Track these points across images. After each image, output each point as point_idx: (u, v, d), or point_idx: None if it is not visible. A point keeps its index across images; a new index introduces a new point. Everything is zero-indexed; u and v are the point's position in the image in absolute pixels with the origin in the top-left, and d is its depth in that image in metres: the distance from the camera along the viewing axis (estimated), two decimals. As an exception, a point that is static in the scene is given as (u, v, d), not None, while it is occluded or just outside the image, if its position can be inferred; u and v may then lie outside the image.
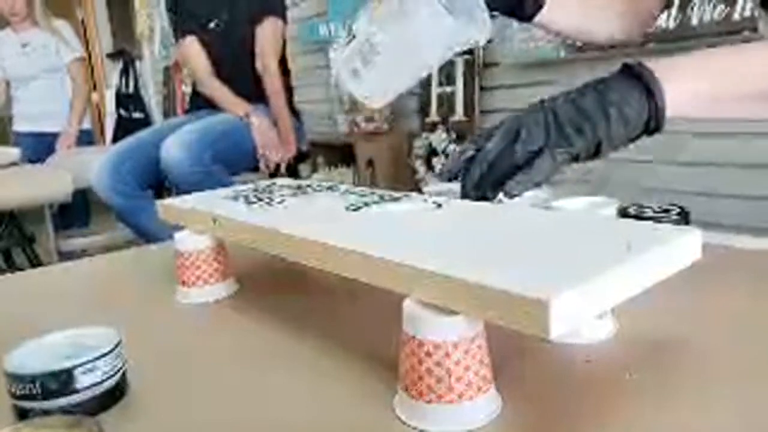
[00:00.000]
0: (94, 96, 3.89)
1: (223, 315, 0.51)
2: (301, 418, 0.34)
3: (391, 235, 0.39)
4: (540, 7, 0.59)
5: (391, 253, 0.33)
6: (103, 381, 0.34)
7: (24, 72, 2.27)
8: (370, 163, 2.35)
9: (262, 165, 1.57)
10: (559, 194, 0.53)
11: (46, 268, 0.87)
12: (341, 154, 2.45)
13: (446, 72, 2.19)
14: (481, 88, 2.14)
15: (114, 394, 0.35)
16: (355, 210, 0.46)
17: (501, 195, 0.43)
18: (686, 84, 0.43)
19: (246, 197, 0.55)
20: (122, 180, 1.48)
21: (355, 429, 0.32)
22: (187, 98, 2.25)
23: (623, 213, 0.54)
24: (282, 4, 1.67)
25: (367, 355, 0.40)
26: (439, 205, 0.45)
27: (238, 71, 1.61)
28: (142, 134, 1.64)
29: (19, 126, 2.35)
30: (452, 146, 2.18)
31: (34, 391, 0.33)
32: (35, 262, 1.69)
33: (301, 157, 1.69)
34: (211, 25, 1.62)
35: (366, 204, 0.47)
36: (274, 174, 1.56)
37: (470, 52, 2.09)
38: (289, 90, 1.66)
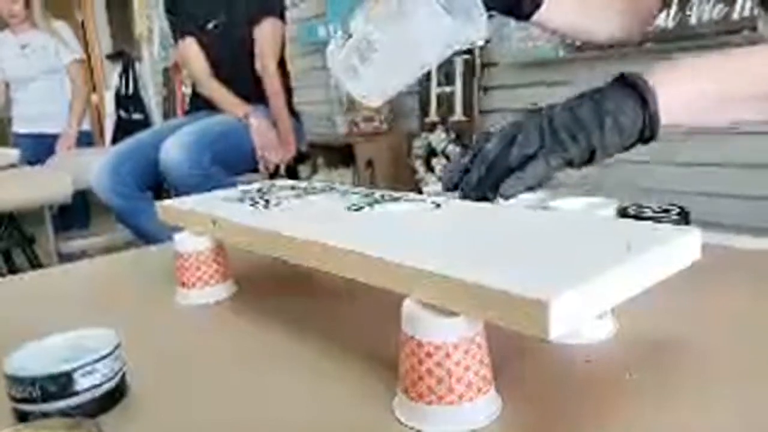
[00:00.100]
0: (94, 97, 3.89)
1: (223, 316, 0.51)
2: (300, 419, 0.34)
3: (390, 235, 0.39)
4: (537, 6, 0.59)
5: (390, 254, 0.33)
6: (102, 383, 0.34)
7: (23, 73, 2.27)
8: (369, 163, 2.35)
9: (261, 166, 1.57)
10: (558, 195, 0.53)
11: (45, 270, 0.87)
12: (341, 155, 2.45)
13: (445, 72, 2.19)
14: (480, 88, 2.14)
15: (114, 396, 0.35)
16: (354, 211, 0.46)
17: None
18: (693, 84, 0.44)
19: (245, 199, 0.55)
20: (122, 181, 1.48)
21: (355, 430, 0.32)
22: (187, 99, 2.25)
23: (622, 213, 0.54)
24: (281, 5, 1.67)
25: (366, 356, 0.40)
26: (439, 206, 0.45)
27: (238, 72, 1.61)
28: (142, 135, 1.64)
29: (19, 127, 2.35)
30: (451, 146, 2.18)
31: (34, 394, 0.33)
32: (35, 264, 1.69)
33: (300, 158, 1.69)
34: (210, 26, 1.62)
35: (365, 204, 0.47)
36: (274, 175, 1.56)
37: (469, 51, 2.09)
38: (288, 91, 1.66)
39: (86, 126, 2.40)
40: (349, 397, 0.35)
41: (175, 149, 1.42)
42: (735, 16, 1.42)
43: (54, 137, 2.24)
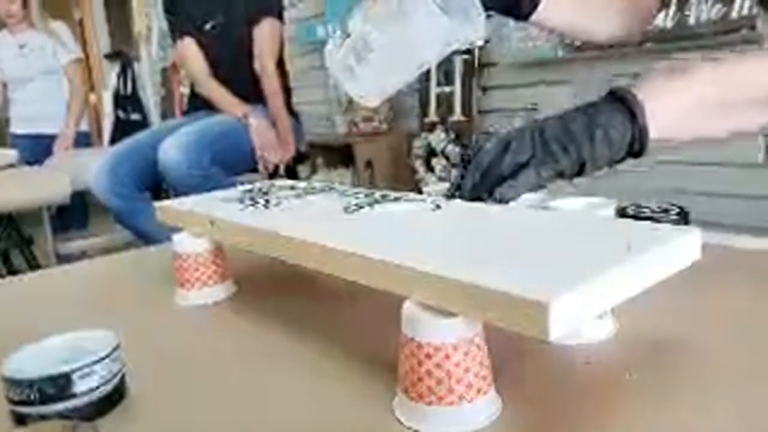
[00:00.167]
0: (92, 97, 3.89)
1: (222, 317, 0.51)
2: (300, 419, 0.34)
3: (390, 236, 0.39)
4: (536, 5, 0.59)
5: (390, 255, 0.33)
6: (101, 385, 0.34)
7: (21, 74, 2.27)
8: (369, 163, 2.34)
9: (260, 166, 1.57)
10: (558, 195, 0.53)
11: (44, 271, 0.87)
12: (340, 155, 2.45)
13: (445, 71, 2.19)
14: (480, 88, 2.14)
15: (112, 399, 0.35)
16: (353, 211, 0.46)
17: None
18: (691, 91, 0.44)
19: (243, 199, 0.55)
20: (120, 182, 1.48)
21: (355, 431, 0.32)
22: (185, 99, 2.25)
23: (622, 213, 0.54)
24: (279, 5, 1.67)
25: (366, 357, 0.39)
26: (438, 206, 0.45)
27: (236, 72, 1.61)
28: (140, 136, 1.64)
29: (17, 128, 2.34)
30: (451, 146, 2.18)
31: (32, 396, 0.32)
32: (33, 265, 1.68)
33: (299, 158, 1.69)
34: (208, 26, 1.62)
35: (365, 205, 0.47)
36: (273, 175, 1.56)
37: (468, 51, 2.09)
38: (287, 91, 1.66)
39: (84, 126, 2.40)
40: (349, 397, 0.35)
41: (173, 149, 1.41)
42: (733, 15, 1.42)
43: (52, 138, 2.23)
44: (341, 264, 0.37)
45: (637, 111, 0.43)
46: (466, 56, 2.12)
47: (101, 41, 4.57)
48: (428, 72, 2.24)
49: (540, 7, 0.60)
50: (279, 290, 0.56)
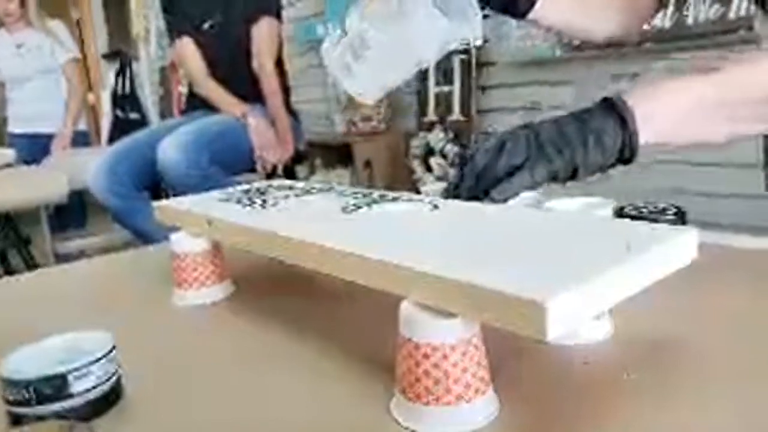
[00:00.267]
0: (91, 97, 3.88)
1: (220, 317, 0.51)
2: (298, 420, 0.34)
3: (388, 236, 0.39)
4: (532, 3, 0.59)
5: (388, 255, 0.33)
6: (97, 386, 0.34)
7: (18, 73, 2.26)
8: (367, 163, 2.34)
9: (258, 166, 1.57)
10: (556, 194, 0.53)
11: (42, 271, 0.87)
12: (338, 154, 2.45)
13: (443, 71, 2.19)
14: (479, 88, 2.14)
15: (108, 399, 0.35)
16: (351, 211, 0.46)
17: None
18: (690, 92, 0.44)
19: (242, 199, 0.55)
20: (118, 181, 1.48)
21: (353, 431, 0.32)
22: (184, 99, 2.25)
23: (619, 213, 0.54)
24: (277, 4, 1.67)
25: (365, 357, 0.39)
26: (436, 206, 0.45)
27: (235, 72, 1.61)
28: (139, 135, 1.63)
29: (14, 127, 2.34)
30: (450, 145, 2.18)
31: (28, 397, 0.32)
32: (31, 264, 1.68)
33: (298, 158, 1.69)
34: (206, 25, 1.62)
35: (362, 205, 0.47)
36: (271, 175, 1.56)
37: (467, 51, 2.09)
38: (285, 90, 1.66)
39: (82, 126, 2.39)
40: (347, 397, 0.35)
41: (172, 149, 1.41)
42: (731, 15, 1.43)
43: (49, 137, 2.23)
44: (339, 264, 0.37)
45: (628, 117, 0.43)
46: (464, 56, 2.12)
47: (99, 41, 4.56)
48: (427, 71, 2.24)
49: (537, 6, 0.60)
50: (277, 290, 0.56)
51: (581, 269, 0.29)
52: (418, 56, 0.51)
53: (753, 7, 1.35)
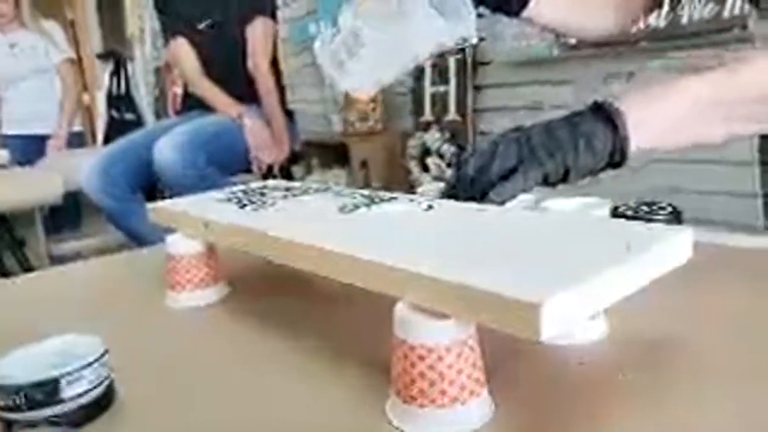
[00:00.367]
0: (86, 97, 3.86)
1: (215, 319, 0.51)
2: (293, 422, 0.33)
3: (383, 237, 0.39)
4: (526, 1, 0.59)
5: (383, 256, 0.33)
6: (89, 390, 0.34)
7: (12, 73, 2.25)
8: (364, 163, 2.34)
9: (254, 166, 1.56)
10: (552, 194, 0.53)
11: (38, 273, 0.86)
12: (335, 154, 2.45)
13: (439, 71, 2.19)
14: (474, 87, 2.14)
15: (101, 404, 0.35)
16: (347, 212, 0.46)
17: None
18: (686, 92, 0.44)
19: (238, 200, 0.55)
20: (113, 182, 1.47)
21: (348, 435, 0.32)
22: (179, 99, 2.24)
23: (615, 213, 0.54)
24: (272, 4, 1.66)
25: (360, 359, 0.39)
26: (431, 206, 0.45)
27: (230, 72, 1.60)
28: (134, 136, 1.63)
29: (8, 128, 2.32)
30: (446, 145, 2.18)
31: (18, 402, 0.32)
32: (26, 266, 1.67)
33: (294, 158, 1.69)
34: (201, 25, 1.61)
35: (358, 206, 0.47)
36: (267, 175, 1.55)
37: (462, 50, 2.09)
38: (281, 90, 1.65)
39: (78, 127, 2.38)
40: (343, 399, 0.35)
41: (168, 149, 1.41)
42: (725, 14, 1.43)
43: (44, 138, 2.21)
44: (334, 265, 0.37)
45: (618, 122, 0.43)
46: (459, 55, 2.12)
47: (94, 41, 4.54)
48: (422, 71, 2.24)
49: (531, 4, 0.60)
50: (273, 291, 0.56)
51: (576, 270, 0.29)
52: (413, 53, 0.51)
53: (747, 6, 1.36)
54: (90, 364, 0.34)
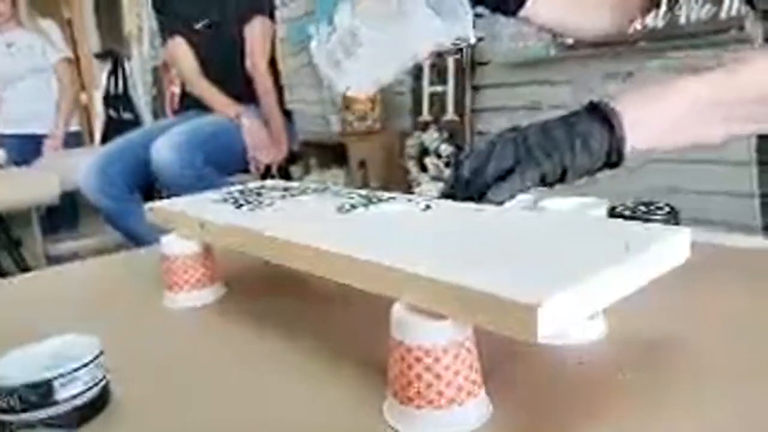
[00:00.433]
0: (83, 97, 3.85)
1: (211, 320, 0.50)
2: (290, 423, 0.33)
3: (380, 237, 0.39)
4: (523, 1, 0.59)
5: (380, 257, 0.33)
6: (84, 392, 0.33)
7: (9, 73, 2.24)
8: (362, 163, 2.34)
9: (252, 166, 1.56)
10: (550, 194, 0.53)
11: (34, 273, 0.86)
12: (333, 154, 2.44)
13: (437, 71, 2.19)
14: (473, 87, 2.14)
15: (95, 405, 0.34)
16: (344, 212, 0.45)
17: None
18: (684, 92, 0.44)
19: (235, 200, 0.55)
20: (110, 182, 1.47)
21: (344, 436, 0.32)
22: (177, 99, 2.24)
23: (612, 212, 0.54)
24: (270, 3, 1.66)
25: (358, 360, 0.39)
26: (429, 206, 0.44)
27: (228, 71, 1.60)
28: (131, 135, 1.62)
29: (5, 128, 2.31)
30: (444, 145, 2.18)
31: (12, 403, 0.32)
32: (22, 267, 1.66)
33: (292, 158, 1.69)
34: (199, 25, 1.61)
35: (356, 206, 0.47)
36: (265, 175, 1.55)
37: (461, 51, 2.09)
38: (279, 90, 1.65)
39: (75, 126, 2.37)
40: (340, 400, 0.35)
41: (165, 149, 1.40)
42: (723, 15, 1.43)
43: (41, 138, 2.21)
44: (331, 266, 0.36)
45: (615, 122, 0.43)
46: (458, 55, 2.12)
47: (92, 41, 4.53)
48: (421, 71, 2.24)
49: (528, 4, 0.60)
50: (270, 292, 0.56)
51: (573, 271, 0.28)
52: (412, 52, 0.51)
53: (744, 8, 1.36)
54: (84, 366, 0.34)
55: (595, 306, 0.29)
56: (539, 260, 0.31)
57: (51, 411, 0.32)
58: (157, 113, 3.77)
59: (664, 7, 1.51)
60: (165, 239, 0.53)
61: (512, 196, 0.44)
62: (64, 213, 1.91)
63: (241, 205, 0.52)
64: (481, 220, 0.40)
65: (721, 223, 1.42)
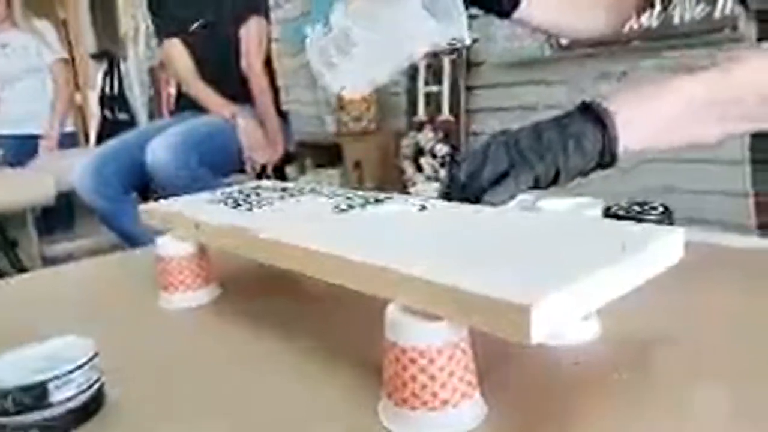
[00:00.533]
0: (78, 97, 3.83)
1: (206, 320, 0.50)
2: (285, 423, 0.33)
3: (375, 238, 0.39)
4: (517, 3, 0.59)
5: (374, 258, 0.33)
6: (78, 394, 0.33)
7: (4, 74, 2.23)
8: (357, 164, 2.34)
9: (248, 167, 1.56)
10: (545, 195, 0.53)
11: (30, 274, 0.85)
12: (329, 154, 2.44)
13: (433, 71, 2.20)
14: (467, 88, 2.14)
15: (90, 408, 0.34)
16: (340, 212, 0.45)
17: None
18: (679, 92, 0.44)
19: (230, 201, 0.54)
20: (105, 182, 1.46)
21: (340, 437, 0.32)
22: (173, 99, 2.23)
23: (608, 213, 0.54)
24: (265, 4, 1.66)
25: (353, 361, 0.39)
26: (425, 207, 0.44)
27: (223, 72, 1.60)
28: (127, 136, 1.62)
29: (0, 129, 2.30)
30: (439, 145, 2.18)
31: (6, 406, 0.32)
32: (18, 268, 1.66)
33: (288, 158, 1.69)
34: (194, 26, 1.60)
35: (351, 206, 0.47)
36: (261, 176, 1.55)
37: (456, 51, 2.09)
38: (274, 90, 1.65)
39: (71, 127, 2.36)
40: (335, 401, 0.35)
41: (161, 150, 1.40)
42: (716, 15, 1.44)
43: (36, 138, 2.20)
44: (325, 267, 0.36)
45: (607, 122, 0.43)
46: (453, 56, 2.12)
47: (87, 41, 4.51)
48: (416, 71, 2.24)
49: (522, 5, 0.60)
50: (265, 292, 0.56)
51: (568, 271, 0.28)
52: (407, 52, 0.51)
53: (737, 7, 1.37)
54: (79, 368, 0.33)
55: (589, 306, 0.29)
56: (534, 261, 0.31)
57: (45, 413, 0.32)
58: (154, 114, 3.76)
59: (658, 7, 1.52)
60: (160, 240, 0.53)
61: (511, 198, 0.44)
62: (59, 214, 1.90)
63: (237, 206, 0.52)
64: (476, 220, 0.41)
65: (716, 222, 1.43)
